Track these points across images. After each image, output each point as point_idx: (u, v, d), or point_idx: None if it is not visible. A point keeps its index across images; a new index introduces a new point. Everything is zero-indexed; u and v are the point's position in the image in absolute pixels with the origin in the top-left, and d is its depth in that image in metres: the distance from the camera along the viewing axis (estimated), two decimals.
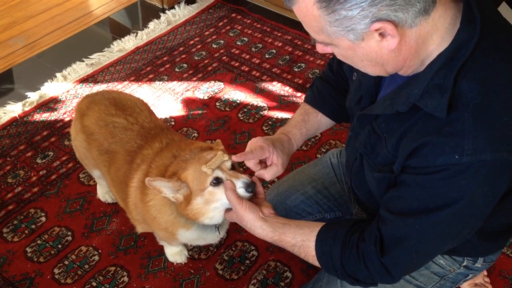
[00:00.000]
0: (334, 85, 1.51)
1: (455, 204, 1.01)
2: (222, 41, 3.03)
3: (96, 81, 2.73)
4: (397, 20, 0.92)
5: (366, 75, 1.19)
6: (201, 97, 2.65)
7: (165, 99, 2.64)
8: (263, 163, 1.38)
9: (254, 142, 1.36)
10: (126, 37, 3.03)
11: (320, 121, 1.52)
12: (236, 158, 1.32)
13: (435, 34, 0.98)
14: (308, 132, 1.51)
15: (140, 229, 1.74)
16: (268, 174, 1.36)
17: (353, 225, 1.21)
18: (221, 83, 2.74)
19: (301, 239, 1.23)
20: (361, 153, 1.22)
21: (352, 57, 1.04)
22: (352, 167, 1.33)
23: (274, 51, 2.95)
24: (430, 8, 0.94)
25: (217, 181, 1.36)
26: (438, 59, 0.99)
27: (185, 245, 1.92)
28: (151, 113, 1.82)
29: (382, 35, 0.94)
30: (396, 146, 1.08)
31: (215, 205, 1.40)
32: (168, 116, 2.54)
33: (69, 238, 2.01)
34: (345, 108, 1.48)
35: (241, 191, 1.33)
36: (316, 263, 1.23)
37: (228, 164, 1.39)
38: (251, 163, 1.35)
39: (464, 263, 1.37)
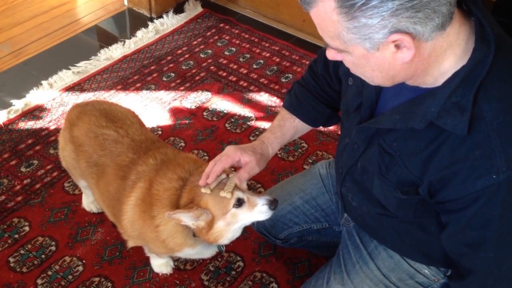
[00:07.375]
0: (313, 90, 1.52)
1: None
2: (210, 51, 3.04)
3: (82, 90, 2.72)
4: (415, 33, 0.92)
5: (367, 84, 1.18)
6: (189, 107, 2.65)
7: (152, 108, 2.63)
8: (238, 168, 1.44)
9: (223, 154, 1.43)
10: (114, 46, 3.02)
11: (297, 127, 1.56)
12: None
13: (448, 50, 0.99)
14: (284, 136, 1.55)
15: (132, 243, 1.71)
16: (243, 171, 1.41)
17: None
18: (209, 93, 2.74)
19: None
20: (373, 171, 1.21)
21: (364, 66, 1.03)
22: (346, 174, 1.33)
23: (261, 61, 2.96)
24: (447, 24, 0.95)
25: (239, 203, 1.40)
26: (455, 77, 0.99)
27: (171, 256, 1.91)
28: (142, 125, 1.80)
29: (397, 46, 0.94)
30: (422, 169, 1.08)
31: (237, 225, 1.44)
32: (155, 125, 2.53)
33: (53, 248, 1.99)
34: (322, 114, 1.53)
35: (265, 208, 1.40)
36: None
37: (244, 185, 1.44)
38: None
39: (448, 273, 1.38)
